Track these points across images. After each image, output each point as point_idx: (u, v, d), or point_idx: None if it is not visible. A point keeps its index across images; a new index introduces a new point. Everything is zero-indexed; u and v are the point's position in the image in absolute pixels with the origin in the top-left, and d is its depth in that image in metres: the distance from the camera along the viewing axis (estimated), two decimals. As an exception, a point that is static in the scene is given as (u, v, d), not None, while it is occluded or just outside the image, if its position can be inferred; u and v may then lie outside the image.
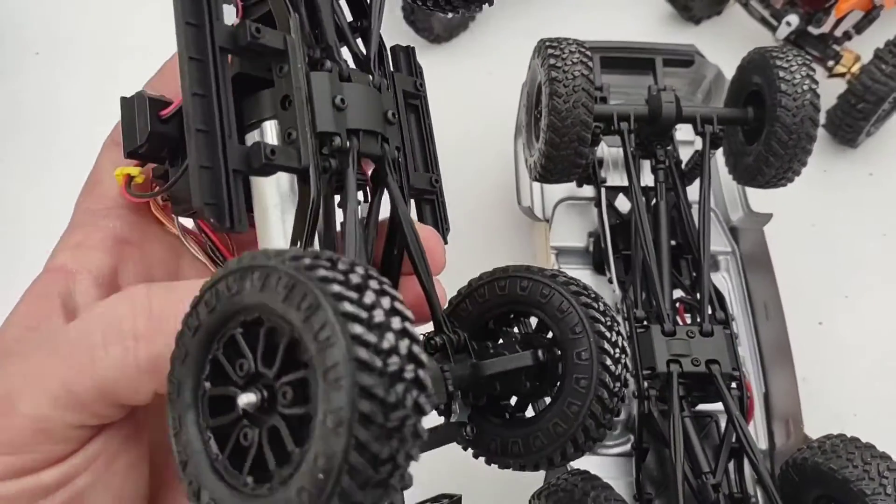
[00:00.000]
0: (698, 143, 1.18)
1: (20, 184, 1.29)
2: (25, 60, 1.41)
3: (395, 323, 0.32)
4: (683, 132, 1.19)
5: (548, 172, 0.99)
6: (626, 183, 1.10)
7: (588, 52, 0.98)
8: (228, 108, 0.42)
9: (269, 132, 0.44)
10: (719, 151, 1.11)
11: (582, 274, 1.12)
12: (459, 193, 1.29)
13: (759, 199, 1.19)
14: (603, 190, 1.08)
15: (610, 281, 1.04)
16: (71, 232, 0.48)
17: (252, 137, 0.45)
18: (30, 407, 0.39)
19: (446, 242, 0.51)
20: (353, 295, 0.32)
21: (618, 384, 0.47)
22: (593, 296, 0.49)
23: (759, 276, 1.12)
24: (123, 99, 0.46)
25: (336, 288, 0.32)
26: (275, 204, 0.44)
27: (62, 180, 1.27)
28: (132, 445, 0.44)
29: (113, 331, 0.40)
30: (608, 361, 0.47)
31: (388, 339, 0.31)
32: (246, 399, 0.34)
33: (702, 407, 0.97)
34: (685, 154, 1.12)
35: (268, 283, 0.33)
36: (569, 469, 0.84)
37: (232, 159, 0.41)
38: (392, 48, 0.53)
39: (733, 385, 0.92)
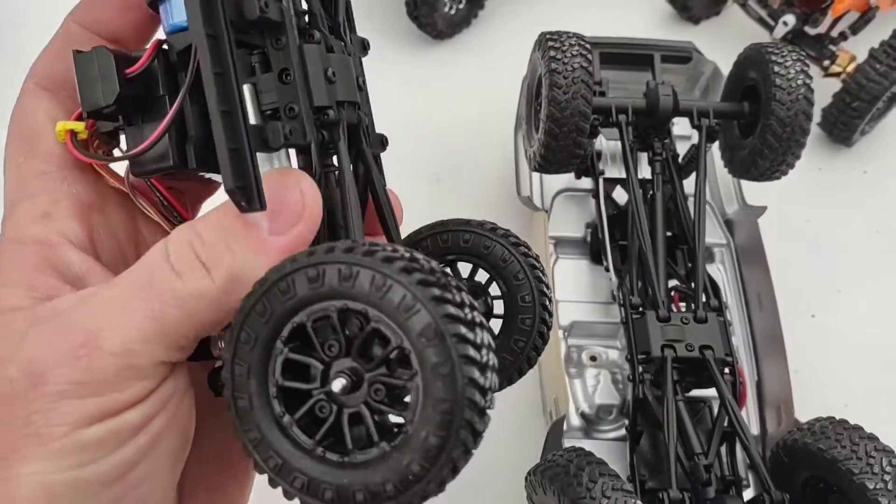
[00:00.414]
0: (695, 138, 1.21)
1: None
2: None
3: (477, 317, 0.37)
4: (680, 127, 1.22)
5: (547, 162, 1.02)
6: (623, 175, 1.13)
7: (587, 45, 1.00)
8: (239, 85, 0.41)
9: (247, 94, 0.44)
10: (715, 147, 1.14)
11: (579, 264, 1.14)
12: (460, 184, 1.31)
13: (754, 194, 1.21)
14: (601, 181, 1.10)
15: (607, 269, 1.06)
16: (30, 200, 0.45)
17: None
18: (116, 343, 0.39)
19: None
20: (450, 296, 0.37)
21: (551, 320, 0.54)
22: (527, 245, 0.54)
23: (753, 268, 1.14)
24: (78, 53, 0.44)
25: (436, 292, 0.36)
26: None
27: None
28: (189, 385, 0.45)
29: (182, 262, 0.40)
30: (547, 302, 0.53)
31: (479, 335, 0.37)
32: (339, 384, 0.38)
33: (695, 393, 0.99)
34: (682, 148, 1.14)
35: (372, 283, 0.37)
36: (564, 447, 0.87)
37: (253, 138, 0.41)
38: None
39: (726, 371, 0.94)
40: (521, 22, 1.50)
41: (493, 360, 0.37)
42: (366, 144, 0.48)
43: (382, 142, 0.52)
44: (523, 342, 0.53)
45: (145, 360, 0.40)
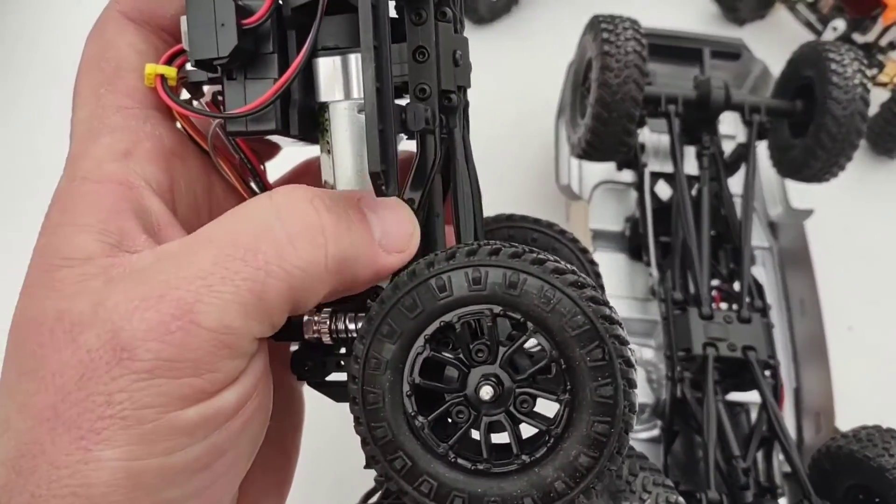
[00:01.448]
0: (740, 137, 1.18)
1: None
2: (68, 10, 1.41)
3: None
4: (725, 126, 1.19)
5: (593, 149, 0.98)
6: (666, 170, 1.10)
7: (641, 31, 0.97)
8: (391, 62, 0.39)
9: (354, 66, 0.41)
10: (760, 148, 1.11)
11: (617, 258, 1.11)
12: (498, 171, 1.28)
13: (795, 199, 1.18)
14: (647, 174, 1.07)
15: (647, 264, 1.03)
16: (109, 135, 0.41)
17: (327, 63, 0.42)
18: (213, 318, 0.35)
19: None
20: (617, 318, 0.37)
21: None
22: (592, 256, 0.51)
23: (796, 272, 1.11)
24: None
25: (606, 311, 0.37)
26: (349, 138, 0.42)
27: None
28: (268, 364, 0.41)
29: (299, 227, 0.37)
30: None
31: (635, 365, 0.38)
32: (487, 392, 0.38)
33: (732, 396, 0.96)
34: (726, 148, 1.11)
35: (541, 293, 0.36)
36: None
37: (396, 121, 0.39)
38: None
39: (767, 373, 0.91)
40: (565, 11, 1.47)
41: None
42: (465, 131, 0.45)
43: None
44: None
45: (243, 337, 0.36)
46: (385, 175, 0.37)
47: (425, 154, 0.42)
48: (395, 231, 0.40)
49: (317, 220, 0.37)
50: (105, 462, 0.34)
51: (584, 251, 0.51)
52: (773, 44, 1.44)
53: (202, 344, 0.35)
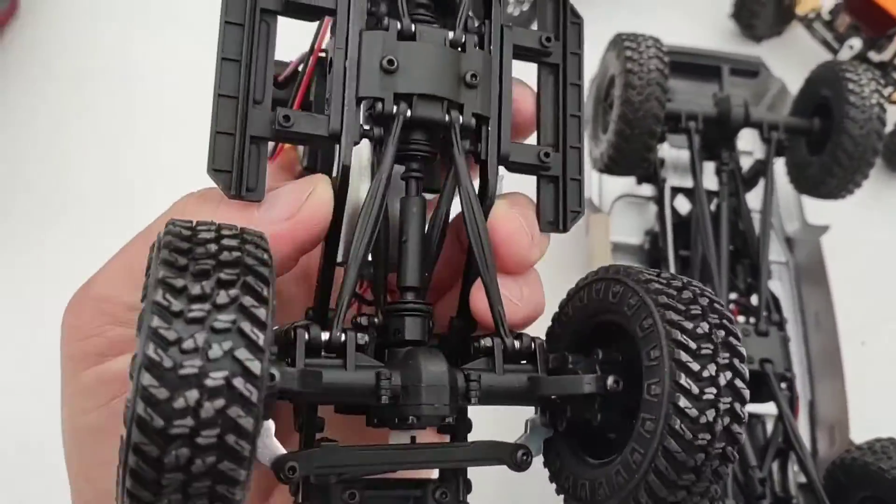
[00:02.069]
0: (757, 153, 1.20)
1: (96, 141, 1.32)
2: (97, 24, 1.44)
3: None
4: (743, 142, 1.21)
5: (614, 163, 1.01)
6: (684, 184, 1.12)
7: (664, 49, 1.00)
8: (265, 71, 0.40)
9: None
10: (777, 164, 1.13)
11: (635, 270, 1.13)
12: (518, 182, 1.30)
13: (812, 214, 1.20)
14: (667, 189, 1.09)
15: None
16: None
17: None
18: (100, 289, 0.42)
19: (563, 230, 0.43)
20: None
21: (702, 435, 0.34)
22: (687, 304, 0.37)
23: (812, 287, 1.13)
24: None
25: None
26: (355, 171, 0.40)
27: (132, 135, 1.30)
28: None
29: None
30: (683, 402, 0.34)
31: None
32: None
33: (748, 408, 0.97)
34: (744, 164, 1.13)
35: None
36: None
37: (254, 125, 0.39)
38: None
39: (783, 385, 0.93)
40: (586, 29, 1.50)
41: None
42: (458, 150, 0.40)
43: (541, 157, 0.43)
44: (640, 454, 0.35)
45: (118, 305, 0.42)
46: (224, 177, 0.38)
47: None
48: (280, 202, 0.39)
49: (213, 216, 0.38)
50: None
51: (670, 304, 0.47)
52: (790, 60, 1.46)
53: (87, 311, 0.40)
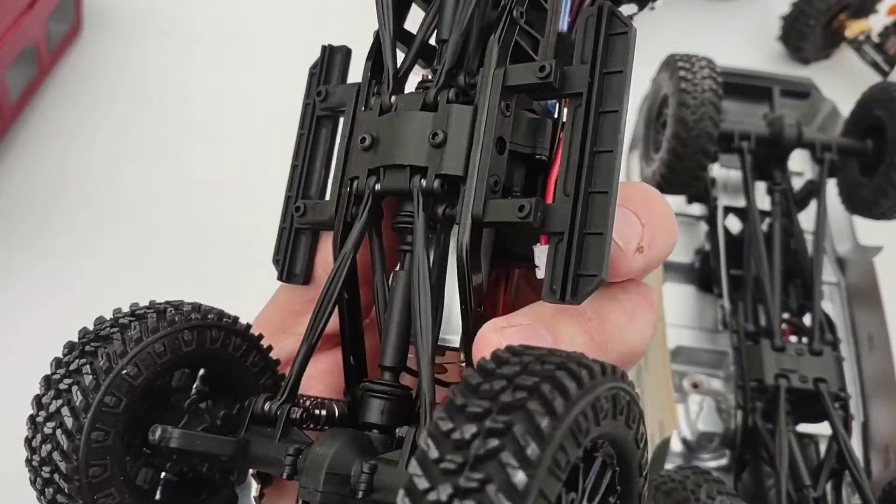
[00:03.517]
0: (808, 173, 1.20)
1: (153, 161, 1.35)
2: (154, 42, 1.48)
3: None
4: (794, 162, 1.21)
5: (667, 182, 1.02)
6: (734, 204, 1.13)
7: (717, 69, 1.01)
8: (321, 171, 0.44)
9: None
10: (829, 184, 1.13)
11: (685, 289, 1.13)
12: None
13: (864, 235, 1.19)
14: (720, 207, 1.10)
15: (719, 296, 1.05)
16: None
17: None
18: None
19: (570, 301, 0.34)
20: None
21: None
22: None
23: (865, 308, 1.12)
24: None
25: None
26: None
27: (186, 157, 1.33)
28: None
29: None
30: None
31: None
32: None
33: (802, 428, 0.97)
34: (794, 184, 1.14)
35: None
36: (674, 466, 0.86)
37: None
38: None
39: (837, 405, 0.93)
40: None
41: None
42: (416, 215, 0.37)
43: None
44: None
45: None
46: (277, 263, 0.43)
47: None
48: None
49: None
50: None
51: None
52: (838, 82, 1.46)
53: None
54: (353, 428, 0.36)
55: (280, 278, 0.43)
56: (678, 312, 1.11)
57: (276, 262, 0.43)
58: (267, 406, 0.37)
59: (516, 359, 0.28)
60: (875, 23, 1.49)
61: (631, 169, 1.20)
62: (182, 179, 1.31)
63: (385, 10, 0.39)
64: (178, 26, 1.51)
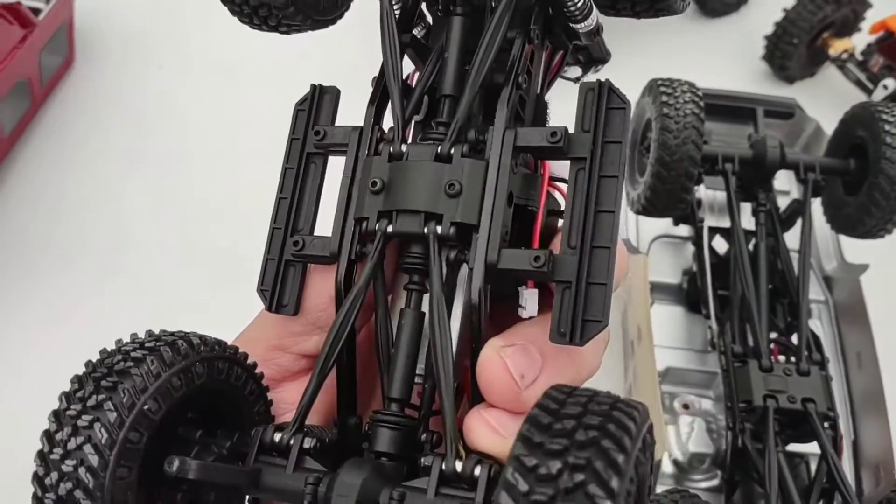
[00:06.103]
0: (794, 192, 1.21)
1: (149, 188, 1.36)
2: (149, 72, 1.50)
3: None
4: (779, 182, 1.22)
5: (652, 206, 1.02)
6: (721, 224, 1.14)
7: (699, 93, 1.02)
8: (310, 206, 0.45)
9: None
10: (814, 203, 1.14)
11: (673, 310, 1.14)
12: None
13: (850, 254, 1.20)
14: (705, 228, 1.11)
15: (706, 317, 1.06)
16: None
17: None
18: None
19: (577, 343, 0.38)
20: None
21: None
22: None
23: (852, 326, 1.13)
24: None
25: None
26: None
27: (179, 186, 1.34)
28: None
29: None
30: None
31: None
32: None
33: (791, 447, 0.98)
34: (780, 203, 1.15)
35: None
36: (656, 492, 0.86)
37: (289, 252, 0.44)
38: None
39: (826, 425, 0.93)
40: (616, 74, 1.52)
41: None
42: (433, 259, 0.39)
43: (531, 262, 0.38)
44: None
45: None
46: (263, 294, 0.44)
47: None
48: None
49: None
50: None
51: None
52: (823, 100, 1.48)
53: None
54: (354, 456, 0.39)
55: (269, 309, 0.44)
56: (667, 334, 1.12)
57: (261, 292, 0.44)
58: (277, 436, 0.38)
59: (572, 399, 0.32)
60: (858, 41, 1.51)
61: (618, 191, 1.21)
62: (175, 207, 1.33)
63: (394, 64, 0.42)
64: (169, 57, 1.52)
